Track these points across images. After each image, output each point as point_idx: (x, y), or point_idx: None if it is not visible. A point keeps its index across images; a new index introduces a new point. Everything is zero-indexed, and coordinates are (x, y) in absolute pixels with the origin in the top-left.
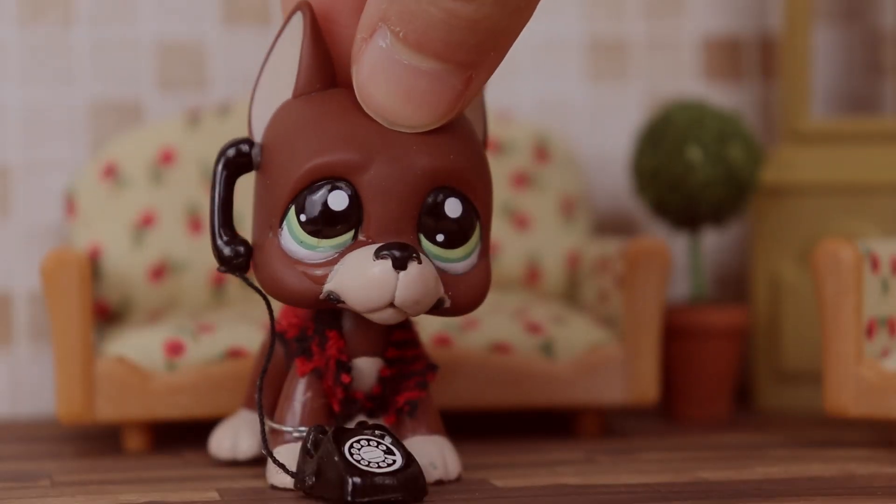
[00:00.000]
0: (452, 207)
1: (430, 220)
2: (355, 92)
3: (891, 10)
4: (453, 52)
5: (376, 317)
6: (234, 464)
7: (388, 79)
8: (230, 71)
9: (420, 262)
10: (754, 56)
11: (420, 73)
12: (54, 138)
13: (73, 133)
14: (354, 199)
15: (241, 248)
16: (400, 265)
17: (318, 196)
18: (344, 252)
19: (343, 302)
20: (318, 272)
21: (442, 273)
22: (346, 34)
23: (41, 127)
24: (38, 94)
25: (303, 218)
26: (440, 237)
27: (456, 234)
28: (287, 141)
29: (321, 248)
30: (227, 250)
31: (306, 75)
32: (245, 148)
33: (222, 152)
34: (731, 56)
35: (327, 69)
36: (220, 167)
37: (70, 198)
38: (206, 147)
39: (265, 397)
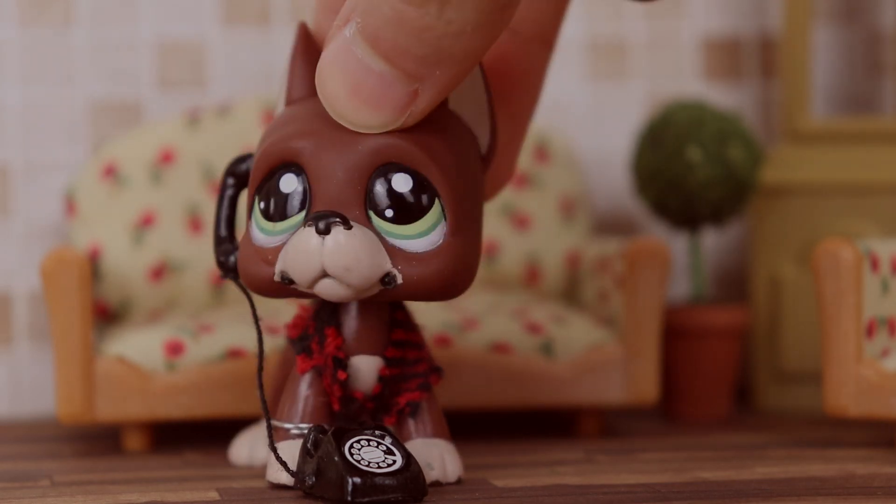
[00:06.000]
0: (400, 182)
1: (377, 196)
2: (315, 77)
3: (891, 10)
4: (400, 58)
5: (321, 290)
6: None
7: (341, 69)
8: (230, 71)
9: (349, 229)
10: (754, 56)
11: (369, 72)
12: (54, 138)
13: (73, 133)
14: (306, 182)
15: (232, 256)
16: (324, 230)
17: (272, 182)
18: (294, 234)
19: (294, 282)
20: (272, 256)
21: (394, 249)
22: None
23: (41, 127)
24: (38, 94)
25: (262, 205)
26: (389, 213)
27: (406, 210)
28: (261, 142)
29: (276, 232)
30: (220, 257)
31: (292, 84)
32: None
33: (233, 166)
34: (731, 56)
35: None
36: (228, 181)
37: (70, 198)
38: (206, 147)
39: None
